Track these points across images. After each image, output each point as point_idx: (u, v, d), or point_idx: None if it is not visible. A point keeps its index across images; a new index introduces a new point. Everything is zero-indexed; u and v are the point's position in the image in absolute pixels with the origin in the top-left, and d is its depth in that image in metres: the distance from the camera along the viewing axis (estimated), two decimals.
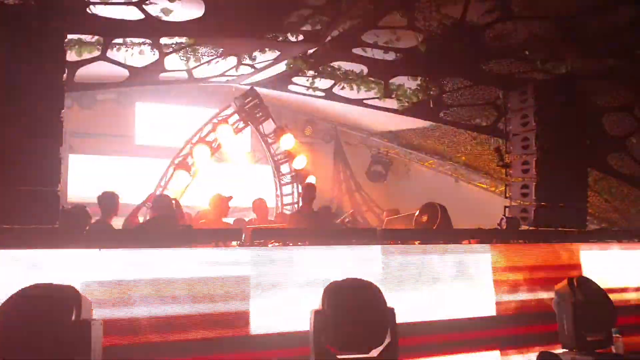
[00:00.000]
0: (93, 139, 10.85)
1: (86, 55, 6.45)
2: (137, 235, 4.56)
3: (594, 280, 4.55)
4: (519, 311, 4.78)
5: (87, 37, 6.39)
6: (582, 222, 6.39)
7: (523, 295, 4.84)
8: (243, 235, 4.06)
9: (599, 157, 7.47)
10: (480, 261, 4.76)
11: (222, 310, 3.73)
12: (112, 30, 6.17)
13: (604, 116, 7.36)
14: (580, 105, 6.63)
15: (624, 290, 5.27)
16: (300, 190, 10.27)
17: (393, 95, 8.08)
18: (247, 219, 8.60)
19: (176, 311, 3.60)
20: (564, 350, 4.37)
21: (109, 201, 5.97)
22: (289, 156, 10.47)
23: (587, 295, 4.39)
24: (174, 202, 6.32)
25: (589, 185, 7.02)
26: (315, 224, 6.92)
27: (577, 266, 5.17)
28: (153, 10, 5.86)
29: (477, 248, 4.85)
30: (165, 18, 6.00)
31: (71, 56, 6.25)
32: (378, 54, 7.23)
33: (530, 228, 6.28)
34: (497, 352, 4.54)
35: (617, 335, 4.50)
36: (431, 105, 8.02)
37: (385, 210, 9.84)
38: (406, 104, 8.15)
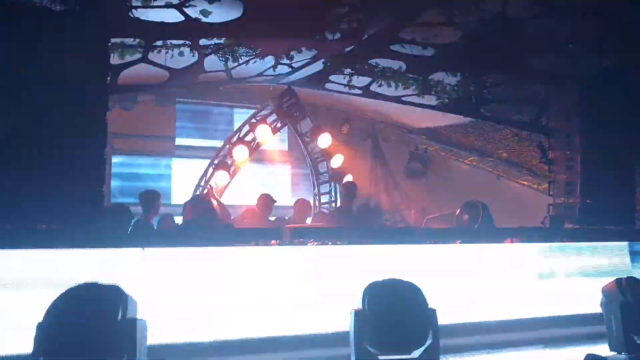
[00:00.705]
0: (134, 139, 11.07)
1: (128, 58, 6.57)
2: (181, 234, 4.63)
3: None
4: (565, 312, 4.66)
5: (129, 40, 6.51)
6: (630, 220, 6.19)
7: (568, 295, 4.72)
8: (283, 234, 4.07)
9: None
10: (524, 261, 4.66)
11: (260, 310, 3.75)
12: (153, 33, 6.27)
13: None
14: (626, 100, 6.41)
15: None
16: (339, 189, 10.27)
17: (432, 92, 7.98)
18: (287, 218, 8.65)
19: (216, 310, 3.63)
20: (612, 352, 4.24)
21: (149, 199, 6.09)
22: (326, 155, 10.46)
23: (636, 296, 4.25)
24: (215, 202, 6.40)
25: (636, 181, 6.79)
26: (355, 222, 6.90)
27: (626, 265, 5.01)
28: (192, 12, 5.94)
29: (520, 247, 4.75)
30: (204, 19, 6.07)
31: (114, 59, 6.38)
32: (416, 50, 7.15)
33: (576, 226, 6.11)
34: (541, 354, 4.44)
35: None
36: (472, 101, 7.89)
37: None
38: (446, 100, 8.03)
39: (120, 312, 2.45)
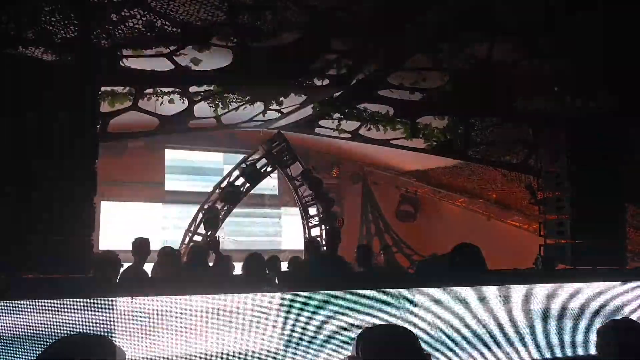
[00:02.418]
0: (124, 186, 11.05)
1: (118, 106, 6.62)
2: (171, 281, 4.56)
3: (637, 321, 4.38)
4: (560, 354, 4.60)
5: (119, 88, 6.57)
6: (622, 260, 6.18)
7: (564, 339, 4.67)
8: (275, 282, 4.02)
9: (636, 192, 7.27)
10: (518, 303, 4.62)
11: (253, 358, 3.67)
12: (143, 81, 6.34)
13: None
14: (614, 141, 6.50)
15: None
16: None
17: (420, 135, 8.07)
18: None
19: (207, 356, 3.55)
20: None
21: (142, 248, 6.02)
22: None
23: (632, 338, 4.22)
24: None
25: (627, 221, 6.82)
26: (343, 269, 6.81)
27: (619, 306, 4.97)
28: (183, 60, 6.02)
29: (514, 290, 4.72)
30: (194, 67, 6.16)
31: (104, 107, 6.43)
32: (404, 95, 7.27)
33: (568, 267, 6.09)
34: None
35: None
36: (459, 145, 7.97)
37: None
38: (434, 143, 8.12)
39: None
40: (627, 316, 4.43)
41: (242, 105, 7.68)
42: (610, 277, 5.22)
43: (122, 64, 5.86)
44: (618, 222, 6.37)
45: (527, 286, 4.70)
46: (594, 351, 4.28)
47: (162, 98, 7.03)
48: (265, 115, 8.48)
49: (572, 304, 4.83)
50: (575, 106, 6.85)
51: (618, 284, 5.09)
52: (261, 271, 6.06)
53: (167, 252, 6.15)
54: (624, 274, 5.53)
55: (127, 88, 6.62)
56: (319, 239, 10.58)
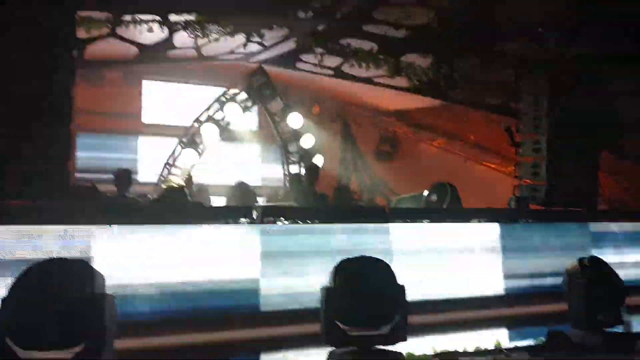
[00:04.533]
0: (100, 117, 10.82)
1: (95, 33, 6.42)
2: (150, 210, 4.56)
3: (604, 260, 4.55)
4: (529, 290, 4.78)
5: (96, 14, 6.34)
6: (593, 202, 6.36)
7: (532, 275, 4.84)
8: (254, 213, 4.05)
9: (611, 139, 7.40)
10: (490, 240, 4.75)
11: (231, 287, 3.74)
12: (122, 7, 6.13)
13: (619, 99, 7.27)
14: (594, 88, 6.54)
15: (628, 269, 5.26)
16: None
17: (403, 74, 8.01)
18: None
19: (185, 288, 3.61)
20: (573, 329, 4.38)
21: (124, 178, 5.97)
22: (297, 135, 10.43)
23: (598, 275, 4.39)
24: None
25: (600, 166, 6.97)
26: (321, 203, 6.88)
27: (588, 246, 5.15)
28: None
29: (486, 227, 4.83)
30: None
31: (81, 33, 6.22)
32: (389, 31, 7.15)
33: (540, 207, 6.25)
34: (506, 331, 4.55)
35: (626, 314, 4.50)
36: (441, 85, 7.95)
37: None
38: (417, 83, 8.08)
39: (87, 288, 2.42)
40: (595, 255, 4.60)
41: (223, 36, 7.50)
42: (581, 217, 5.37)
43: None
44: (591, 166, 6.51)
45: (500, 224, 4.82)
46: (562, 289, 4.48)
47: (142, 26, 6.81)
48: (247, 47, 8.30)
49: (543, 242, 4.98)
50: (558, 50, 6.82)
51: (587, 224, 5.25)
52: (248, 199, 6.11)
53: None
54: (594, 215, 5.69)
55: (105, 14, 6.40)
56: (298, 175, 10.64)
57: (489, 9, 6.29)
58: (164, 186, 7.94)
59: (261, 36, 7.67)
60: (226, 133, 10.14)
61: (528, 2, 6.14)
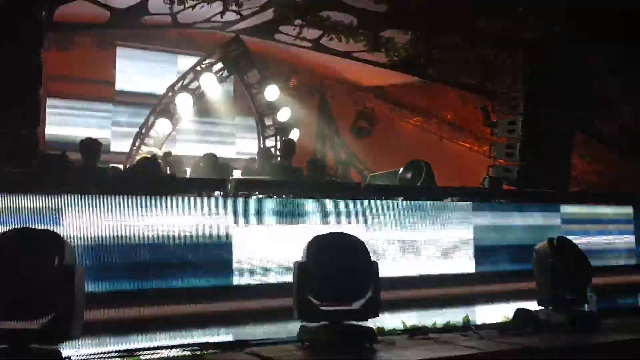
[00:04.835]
0: (71, 82, 10.52)
1: None
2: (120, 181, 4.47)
3: (572, 240, 4.65)
4: (498, 268, 4.87)
5: None
6: (565, 184, 6.46)
7: (502, 254, 4.92)
8: (229, 185, 4.01)
9: (586, 120, 7.50)
10: (462, 219, 4.80)
11: (205, 259, 3.72)
12: None
13: (595, 80, 7.34)
14: (570, 68, 6.58)
15: (600, 251, 5.38)
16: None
17: (382, 49, 7.95)
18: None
19: (157, 258, 3.57)
20: (540, 307, 4.49)
21: (91, 148, 5.77)
22: (273, 108, 10.31)
23: (566, 255, 4.49)
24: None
25: (574, 148, 7.06)
26: (296, 178, 6.85)
27: (557, 227, 5.25)
28: None
29: (459, 206, 4.88)
30: None
31: None
32: (369, 5, 7.06)
33: (513, 188, 6.33)
34: (475, 308, 4.63)
35: (591, 294, 4.62)
36: (421, 61, 7.92)
37: None
38: (395, 59, 8.03)
39: (56, 259, 2.37)
40: (563, 236, 4.70)
41: (199, 3, 7.31)
42: (552, 199, 5.46)
43: None
44: (565, 148, 6.60)
45: (473, 203, 4.88)
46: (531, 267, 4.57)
47: None
48: (224, 16, 8.12)
49: (514, 222, 5.06)
50: (536, 29, 6.82)
51: (558, 205, 5.35)
52: (215, 170, 6.03)
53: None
54: (565, 196, 5.78)
55: None
56: (273, 149, 10.56)
57: None
58: (137, 157, 7.80)
59: (239, 5, 7.50)
60: (201, 104, 9.98)
61: None
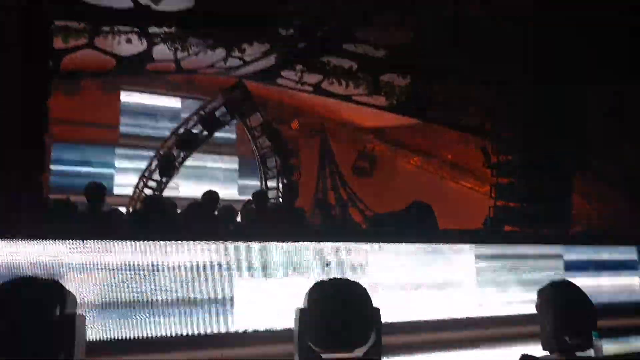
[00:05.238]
0: (76, 126, 10.67)
1: (73, 43, 6.34)
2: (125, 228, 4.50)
3: (575, 283, 4.61)
4: (501, 312, 4.82)
5: (74, 24, 6.28)
6: (567, 224, 6.46)
7: (506, 297, 4.88)
8: (228, 230, 4.02)
9: (585, 160, 7.55)
10: (465, 262, 4.78)
11: (205, 306, 3.70)
12: (100, 18, 6.08)
13: (592, 121, 7.43)
14: (569, 109, 6.68)
15: (605, 293, 5.34)
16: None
17: (382, 92, 8.08)
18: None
19: (159, 306, 3.56)
20: (545, 352, 4.42)
21: (95, 193, 5.78)
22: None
23: (569, 299, 4.43)
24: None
25: (574, 187, 7.09)
26: (299, 220, 6.87)
27: (560, 268, 5.22)
28: None
29: (462, 248, 4.87)
30: (155, 7, 5.93)
31: (57, 43, 6.14)
32: (369, 51, 7.22)
33: (515, 229, 6.33)
34: (478, 352, 4.57)
35: (597, 338, 4.56)
36: (420, 103, 8.04)
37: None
38: (394, 101, 8.15)
39: (58, 308, 2.36)
40: (567, 279, 4.66)
41: (202, 50, 7.48)
42: (555, 239, 5.45)
43: None
44: (565, 189, 6.62)
45: (475, 245, 4.86)
46: (535, 311, 4.52)
47: (120, 37, 6.76)
48: (227, 62, 8.29)
49: (516, 264, 5.03)
50: (535, 73, 6.95)
51: (560, 246, 5.33)
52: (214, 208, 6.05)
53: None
54: (567, 237, 5.77)
55: (83, 24, 6.34)
56: (275, 190, 10.61)
57: (468, 31, 6.39)
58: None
59: (242, 51, 7.66)
60: (204, 146, 10.08)
61: (505, 27, 6.25)
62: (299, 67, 8.08)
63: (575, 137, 6.79)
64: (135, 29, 6.72)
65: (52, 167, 10.00)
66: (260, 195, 8.31)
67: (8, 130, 4.33)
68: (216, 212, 6.55)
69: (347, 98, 8.68)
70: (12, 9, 4.46)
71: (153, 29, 6.80)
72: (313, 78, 8.41)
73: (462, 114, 8.34)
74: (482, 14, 6.19)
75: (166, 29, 6.89)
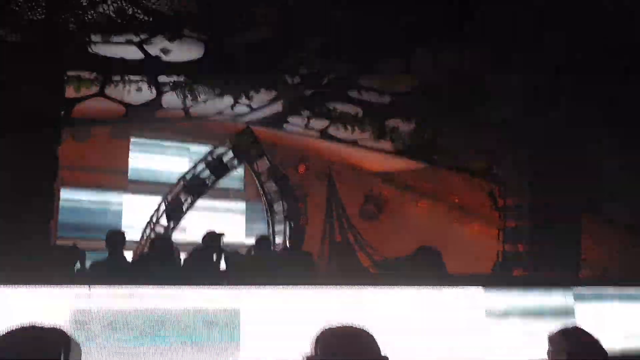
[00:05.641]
0: (85, 172, 10.78)
1: (84, 92, 6.49)
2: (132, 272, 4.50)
3: (587, 329, 4.52)
4: (512, 357, 4.72)
5: (85, 74, 6.44)
6: (576, 267, 6.39)
7: (517, 343, 4.78)
8: (233, 275, 4.00)
9: (593, 203, 7.51)
10: (475, 307, 4.71)
11: (211, 351, 3.66)
12: (111, 68, 6.24)
13: (600, 164, 7.43)
14: (577, 152, 6.70)
15: (617, 338, 5.22)
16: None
17: (387, 137, 8.16)
18: None
19: (164, 354, 3.51)
20: None
21: (114, 240, 5.71)
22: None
23: (581, 345, 4.35)
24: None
25: (582, 230, 7.04)
26: (306, 265, 6.83)
27: (571, 313, 5.13)
28: (152, 49, 5.95)
29: (471, 294, 4.80)
30: (164, 58, 6.09)
31: (69, 92, 6.29)
32: (374, 97, 7.33)
33: (524, 273, 6.26)
34: None
35: None
36: (425, 149, 8.10)
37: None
38: (400, 146, 8.22)
39: (62, 357, 2.35)
40: (577, 324, 4.57)
41: (211, 97, 7.62)
42: (564, 284, 5.36)
43: (91, 50, 5.76)
44: (574, 231, 6.58)
45: (485, 290, 4.80)
46: (545, 357, 4.42)
47: (130, 86, 6.91)
48: (235, 108, 8.43)
49: (526, 309, 4.95)
50: (542, 117, 7.00)
51: (570, 290, 5.24)
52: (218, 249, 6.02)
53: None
54: (577, 281, 5.70)
55: (94, 74, 6.50)
56: (281, 235, 10.58)
57: (473, 78, 6.49)
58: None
59: (249, 98, 7.81)
60: (212, 191, 10.15)
61: (511, 73, 6.35)
62: (305, 113, 8.20)
63: (582, 178, 6.79)
64: (145, 78, 6.88)
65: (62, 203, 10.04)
66: (264, 240, 8.31)
67: (18, 179, 4.40)
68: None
69: (353, 143, 8.77)
70: (29, 61, 4.60)
71: (162, 78, 6.96)
72: (319, 123, 8.52)
73: (468, 157, 8.38)
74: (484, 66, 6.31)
75: (175, 78, 7.05)
